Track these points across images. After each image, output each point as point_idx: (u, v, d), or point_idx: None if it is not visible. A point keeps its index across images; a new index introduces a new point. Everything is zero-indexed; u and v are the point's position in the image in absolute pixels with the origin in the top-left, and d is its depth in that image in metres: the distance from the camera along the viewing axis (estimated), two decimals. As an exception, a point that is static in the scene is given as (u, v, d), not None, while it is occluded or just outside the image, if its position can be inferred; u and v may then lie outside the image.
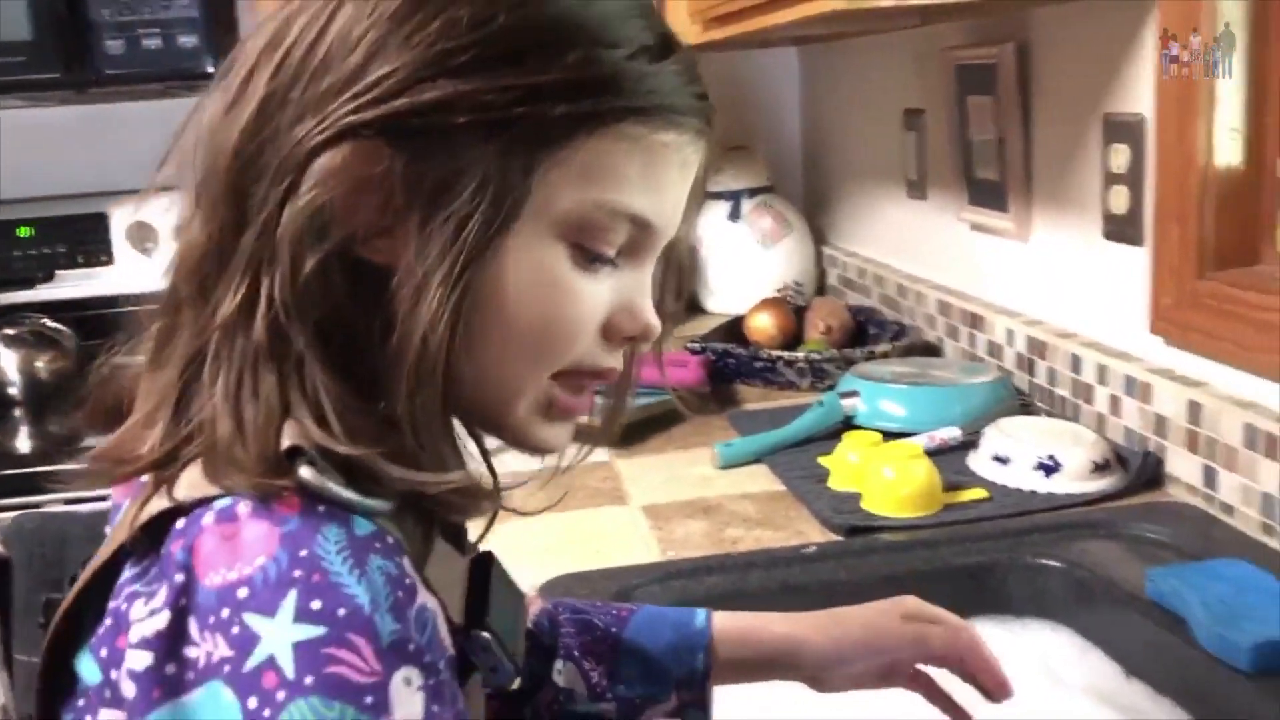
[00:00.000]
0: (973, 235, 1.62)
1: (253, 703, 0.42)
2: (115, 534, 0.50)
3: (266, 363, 0.48)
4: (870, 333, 1.76)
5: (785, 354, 1.60)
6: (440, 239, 0.49)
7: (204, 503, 0.47)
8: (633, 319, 0.56)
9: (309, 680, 0.42)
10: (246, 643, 0.43)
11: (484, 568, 0.63)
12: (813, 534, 1.11)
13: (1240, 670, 0.81)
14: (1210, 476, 1.10)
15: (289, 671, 0.42)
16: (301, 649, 0.43)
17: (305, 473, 0.46)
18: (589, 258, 0.53)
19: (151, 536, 0.48)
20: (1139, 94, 1.19)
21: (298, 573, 0.44)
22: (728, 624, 0.78)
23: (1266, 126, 1.08)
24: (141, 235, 2.08)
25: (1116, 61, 1.23)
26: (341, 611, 0.44)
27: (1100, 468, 1.17)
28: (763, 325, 1.74)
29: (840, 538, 1.09)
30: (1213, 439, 1.09)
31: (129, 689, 0.45)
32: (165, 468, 0.49)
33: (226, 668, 0.43)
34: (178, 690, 0.44)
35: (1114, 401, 1.25)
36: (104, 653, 0.48)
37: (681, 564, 1.04)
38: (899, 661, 0.77)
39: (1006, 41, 1.42)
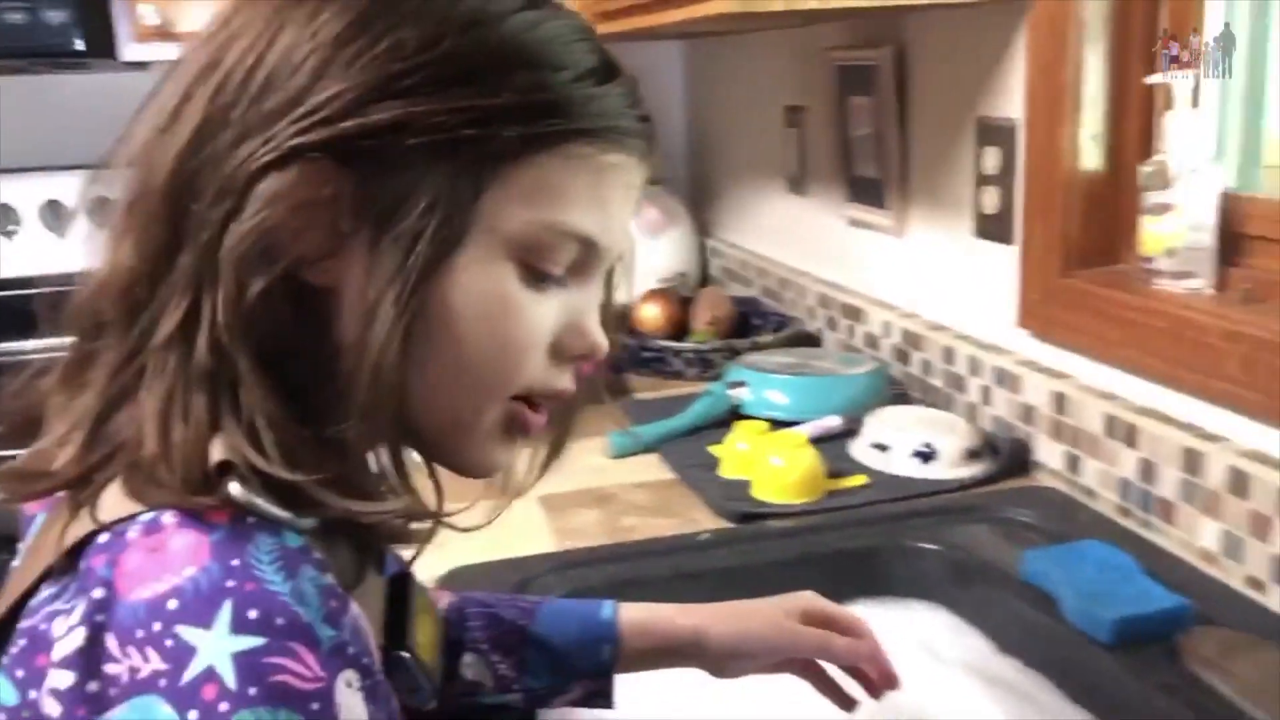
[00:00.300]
0: (852, 230, 1.68)
1: (193, 715, 0.41)
2: (37, 555, 0.49)
3: (201, 385, 0.47)
4: (754, 323, 1.81)
5: (673, 344, 1.64)
6: (389, 261, 0.49)
7: (128, 519, 0.46)
8: (581, 337, 0.56)
9: (253, 691, 0.42)
10: (181, 655, 0.42)
11: (402, 588, 0.64)
12: (705, 521, 1.14)
13: (1103, 643, 0.88)
14: (1073, 462, 1.17)
15: (230, 683, 0.42)
16: (242, 660, 0.42)
17: (234, 489, 0.46)
18: (537, 277, 0.53)
19: (69, 555, 0.47)
20: (1010, 99, 1.26)
21: (231, 583, 0.44)
22: (633, 615, 0.80)
23: (1126, 134, 1.16)
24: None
25: (989, 67, 1.29)
26: (280, 621, 0.43)
27: (973, 455, 1.23)
28: (651, 316, 1.78)
29: (732, 524, 1.13)
30: (1076, 427, 1.16)
31: (53, 708, 0.44)
32: (78, 487, 0.49)
33: (161, 681, 0.42)
34: (102, 707, 0.43)
35: (985, 392, 1.32)
36: (20, 673, 0.46)
37: (578, 554, 1.06)
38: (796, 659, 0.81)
39: (885, 45, 1.48)
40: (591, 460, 1.32)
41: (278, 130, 0.48)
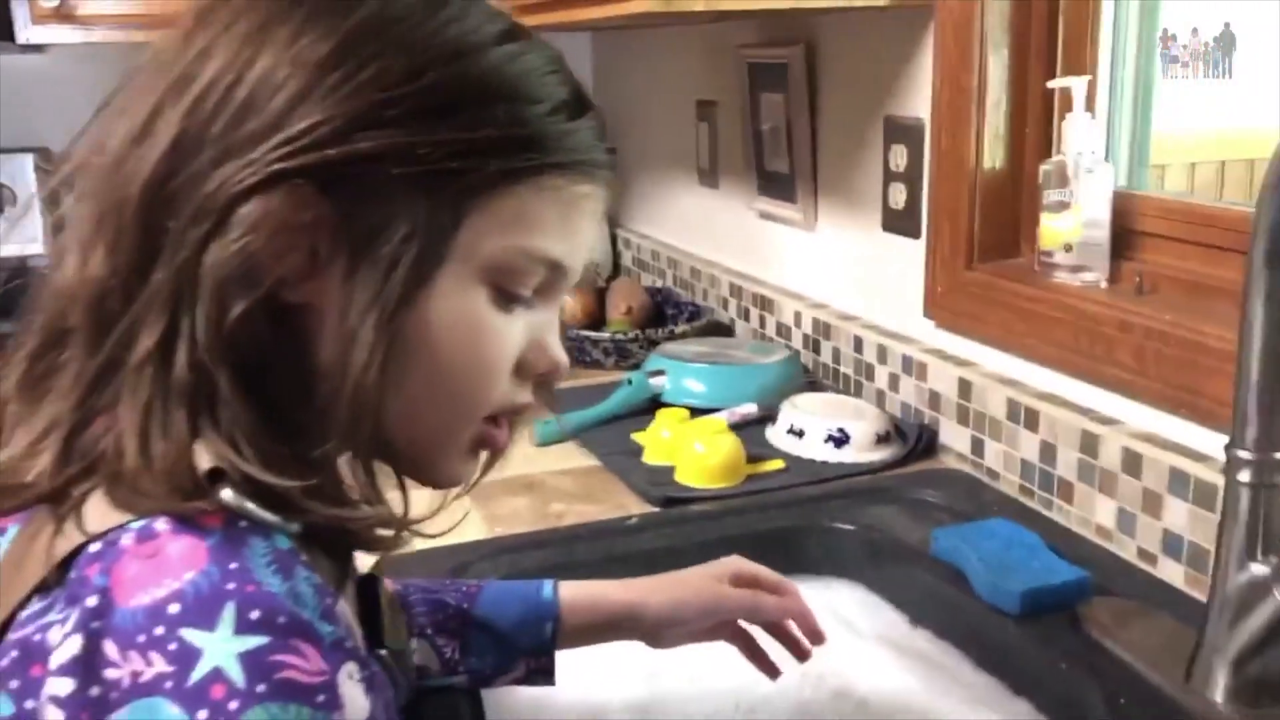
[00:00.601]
0: (762, 223, 1.73)
1: (203, 715, 0.42)
2: (19, 569, 0.49)
3: (180, 400, 0.48)
4: (668, 313, 1.85)
5: (592, 334, 1.67)
6: (368, 285, 0.50)
7: (118, 528, 0.47)
8: (544, 355, 0.58)
9: (261, 688, 0.43)
10: (187, 657, 0.43)
11: (372, 589, 0.66)
12: (631, 506, 1.18)
13: (1010, 614, 0.94)
14: (978, 446, 1.24)
15: (239, 681, 0.43)
16: (248, 659, 0.43)
17: (227, 494, 0.47)
18: (508, 299, 0.55)
19: (61, 566, 0.47)
20: (917, 100, 1.32)
21: (231, 585, 0.45)
22: (572, 593, 0.83)
23: (1026, 135, 1.22)
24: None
25: (897, 69, 1.35)
26: (282, 620, 0.45)
27: (883, 439, 1.29)
28: (568, 306, 1.80)
29: (657, 509, 1.17)
30: (980, 412, 1.23)
31: (54, 714, 0.44)
32: (57, 501, 0.49)
33: (167, 683, 0.43)
34: (104, 711, 0.44)
35: (893, 379, 1.38)
36: (14, 684, 0.46)
37: (510, 539, 1.09)
38: (724, 622, 0.85)
39: (796, 43, 1.53)
40: (517, 449, 1.34)
41: (259, 154, 0.49)
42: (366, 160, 0.49)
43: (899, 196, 1.38)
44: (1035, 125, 1.22)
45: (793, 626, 0.87)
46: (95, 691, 0.44)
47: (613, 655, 0.91)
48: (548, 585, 0.83)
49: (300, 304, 0.51)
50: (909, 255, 1.36)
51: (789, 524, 1.15)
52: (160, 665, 0.43)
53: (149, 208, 0.49)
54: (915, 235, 1.35)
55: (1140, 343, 1.02)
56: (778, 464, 1.27)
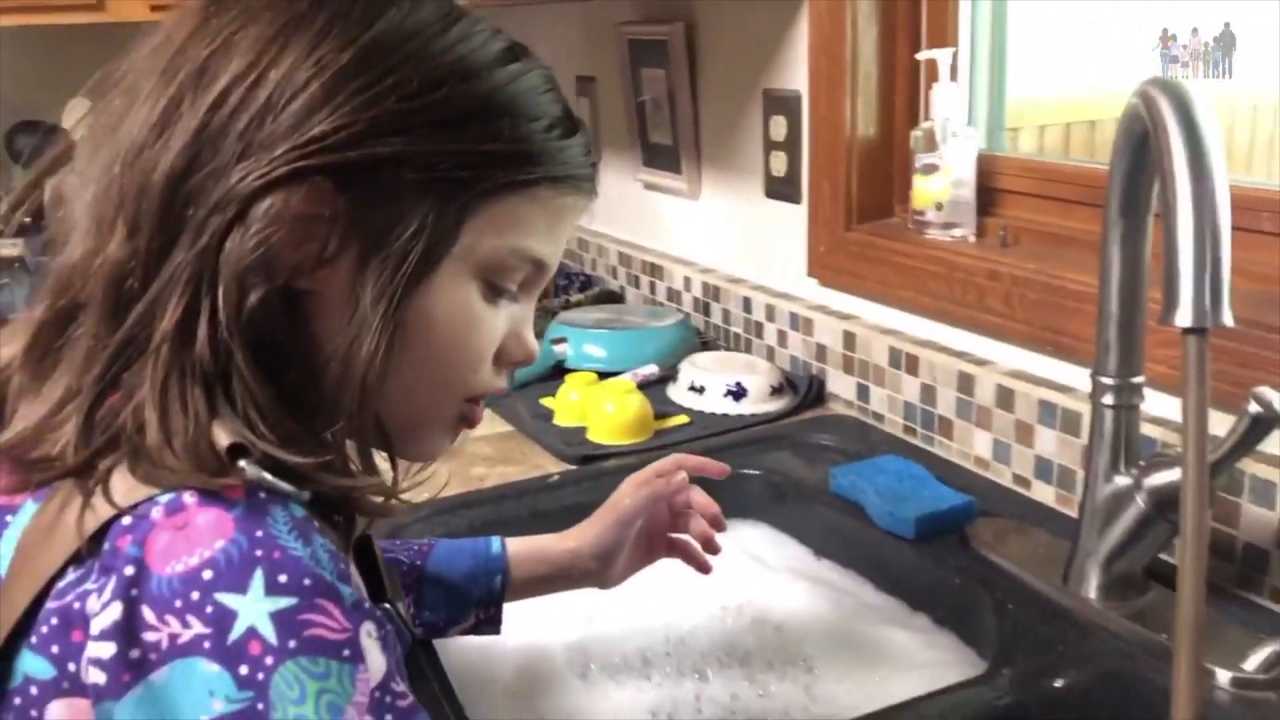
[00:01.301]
0: (648, 194, 1.81)
1: (244, 670, 0.46)
2: (49, 541, 0.51)
3: (198, 378, 0.51)
4: (559, 284, 1.91)
5: (489, 307, 1.72)
6: (377, 277, 0.54)
7: (146, 501, 0.50)
8: (520, 345, 0.63)
9: (293, 644, 0.47)
10: (224, 619, 0.47)
11: (369, 549, 0.71)
12: (549, 465, 1.24)
13: (906, 539, 1.04)
14: (863, 392, 1.34)
15: (272, 639, 0.46)
16: (279, 618, 0.47)
17: (248, 467, 0.50)
18: (495, 292, 0.60)
19: (92, 538, 0.50)
20: (795, 72, 1.40)
21: (259, 552, 0.48)
22: (519, 548, 0.90)
23: (897, 104, 1.32)
24: None
25: (775, 43, 1.43)
26: (307, 582, 0.48)
27: (776, 390, 1.39)
28: (460, 281, 1.84)
29: (574, 466, 1.24)
30: (864, 361, 1.33)
31: (97, 676, 0.48)
32: (83, 475, 0.51)
33: (206, 644, 0.46)
34: (145, 671, 0.47)
35: (781, 335, 1.48)
36: (55, 649, 0.50)
37: (440, 502, 1.14)
38: (654, 537, 0.93)
39: (676, 20, 1.60)
40: (429, 419, 1.39)
41: (280, 151, 0.52)
42: (383, 164, 0.53)
43: (780, 164, 1.47)
44: (904, 94, 1.32)
45: (694, 545, 0.94)
46: (135, 654, 0.47)
47: (551, 603, 0.98)
48: (496, 541, 0.89)
49: (311, 290, 0.55)
50: (791, 219, 1.45)
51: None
52: (198, 627, 0.47)
53: (171, 196, 0.52)
54: (796, 200, 1.44)
55: (1007, 289, 1.13)
56: (683, 419, 1.35)
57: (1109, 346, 0.85)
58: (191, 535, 0.48)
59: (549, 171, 0.59)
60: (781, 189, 1.48)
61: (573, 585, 0.91)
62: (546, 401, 1.40)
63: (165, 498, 0.50)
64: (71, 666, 0.50)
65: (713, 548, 0.93)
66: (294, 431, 0.53)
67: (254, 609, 0.47)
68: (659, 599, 1.02)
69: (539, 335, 1.56)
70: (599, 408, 1.29)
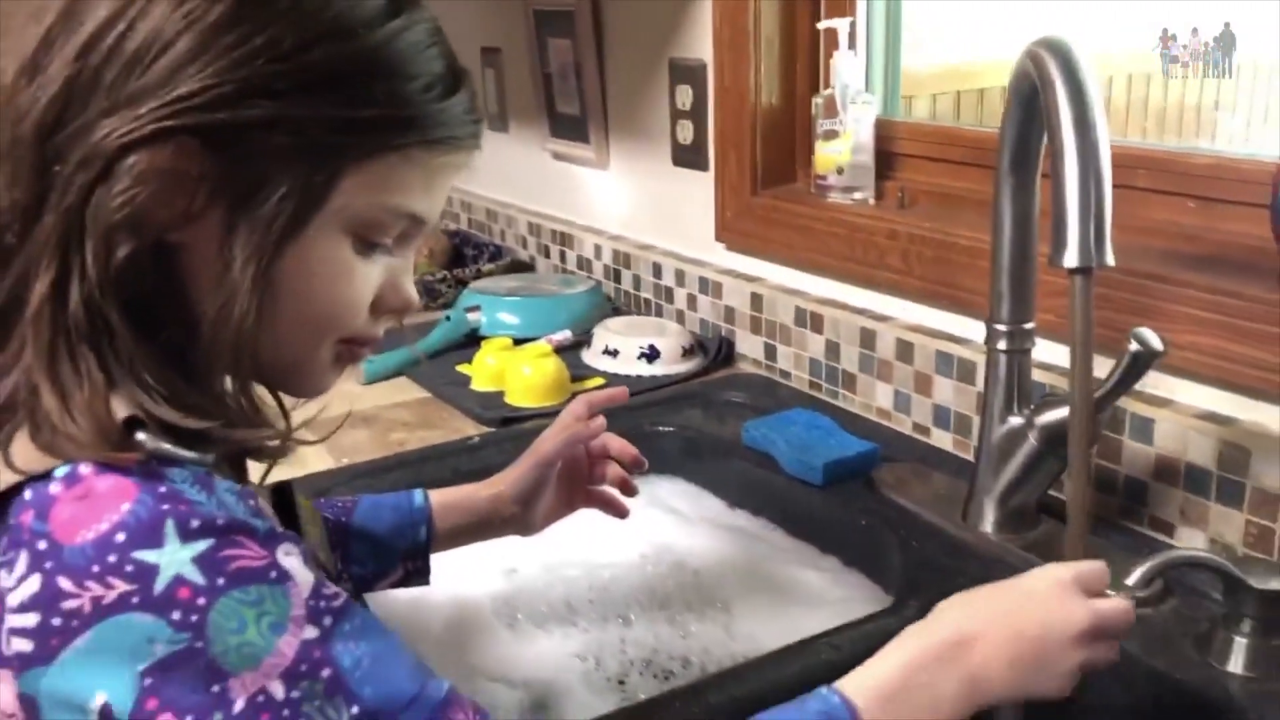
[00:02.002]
0: (556, 164, 1.83)
1: (177, 615, 0.48)
2: None
3: (83, 339, 0.51)
4: (469, 254, 1.93)
5: (401, 277, 1.73)
6: (246, 238, 0.54)
7: (45, 476, 0.50)
8: (397, 295, 0.63)
9: (221, 580, 0.49)
10: (146, 574, 0.48)
11: (287, 496, 0.73)
12: (469, 429, 1.27)
13: (815, 485, 1.09)
14: (770, 351, 1.39)
15: (200, 580, 0.48)
16: (201, 560, 0.49)
17: (145, 439, 0.51)
18: (369, 246, 0.59)
19: None
20: (699, 42, 1.44)
21: (165, 506, 0.49)
22: (441, 498, 0.92)
23: (798, 72, 1.37)
24: None
25: (679, 13, 1.47)
26: (219, 522, 0.50)
27: (688, 352, 1.43)
28: (370, 252, 1.85)
29: (494, 429, 1.26)
30: (771, 321, 1.38)
31: (21, 645, 0.49)
32: None
33: (134, 599, 0.48)
34: (73, 635, 0.48)
35: (691, 299, 1.52)
36: None
37: (363, 466, 1.16)
38: (573, 487, 0.95)
39: (581, -8, 1.62)
40: (345, 388, 1.39)
41: (147, 109, 0.51)
42: (252, 127, 0.52)
43: (686, 133, 1.50)
44: (805, 63, 1.37)
45: (611, 493, 0.97)
46: (58, 622, 0.48)
47: (475, 558, 1.01)
48: (419, 494, 0.92)
49: (180, 246, 0.55)
50: (699, 186, 1.49)
51: (614, 431, 1.26)
52: (121, 586, 0.48)
53: (40, 149, 0.52)
54: (704, 168, 1.48)
55: (905, 248, 1.18)
56: (598, 381, 1.38)
57: (1002, 295, 0.91)
58: (95, 503, 0.49)
59: (425, 135, 0.58)
60: (688, 157, 1.51)
61: (496, 533, 0.93)
62: (463, 368, 1.42)
63: (62, 470, 0.50)
64: None
65: (629, 490, 0.97)
66: (183, 389, 0.54)
67: (174, 559, 0.49)
68: (580, 550, 1.06)
69: (447, 306, 1.59)
70: (516, 371, 1.32)
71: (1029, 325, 0.92)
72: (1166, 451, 0.94)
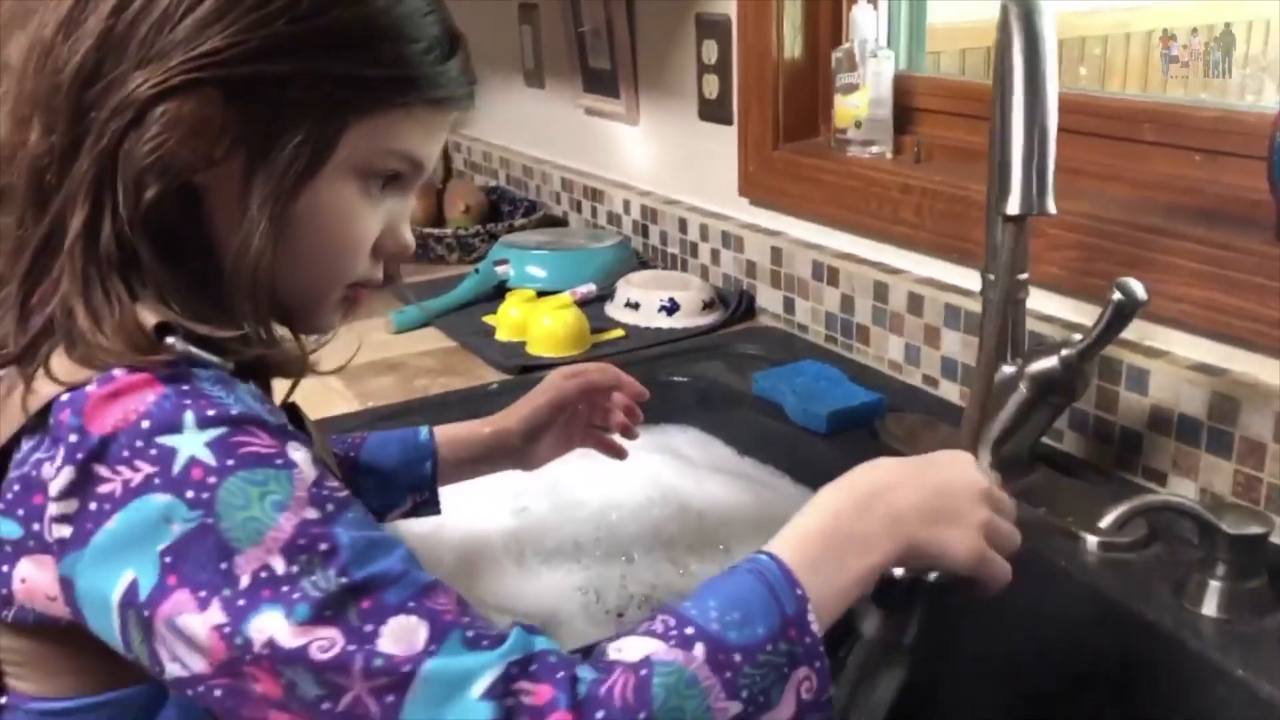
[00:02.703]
0: (589, 119, 1.85)
1: (190, 494, 0.52)
2: (4, 419, 0.58)
3: (114, 269, 0.57)
4: (505, 210, 1.96)
5: (435, 231, 1.77)
6: (262, 181, 0.60)
7: (84, 382, 0.55)
8: (395, 239, 0.68)
9: (230, 462, 0.53)
10: (165, 457, 0.53)
11: (297, 415, 0.77)
12: (489, 376, 1.31)
13: (820, 434, 1.11)
14: (789, 304, 1.41)
15: (212, 462, 0.53)
16: (214, 445, 0.53)
17: (173, 342, 0.56)
18: (371, 190, 0.65)
19: (38, 415, 0.56)
20: (723, -2, 1.46)
21: (187, 400, 0.54)
22: (446, 432, 0.96)
23: (819, 28, 1.38)
24: None
25: (704, -30, 1.48)
26: (234, 413, 0.55)
27: (708, 305, 1.45)
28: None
29: (513, 376, 1.30)
30: (790, 275, 1.40)
31: (61, 531, 0.54)
32: (25, 361, 0.57)
33: (155, 480, 0.52)
34: (105, 518, 0.53)
35: (714, 254, 1.54)
36: (20, 512, 0.56)
37: (385, 409, 1.21)
38: (574, 426, 0.99)
39: (612, -52, 1.64)
40: (377, 337, 1.45)
41: (176, 62, 0.56)
42: (270, 82, 0.58)
43: (711, 88, 1.52)
44: (828, 17, 1.38)
45: (609, 437, 1.01)
46: (94, 506, 0.53)
47: (488, 496, 1.05)
48: (424, 430, 0.96)
49: (203, 188, 0.60)
50: (724, 141, 1.51)
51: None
52: (146, 469, 0.53)
53: (77, 97, 0.57)
54: (728, 122, 1.50)
55: (918, 201, 1.19)
56: (619, 333, 1.42)
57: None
58: (124, 398, 0.54)
59: (425, 95, 0.63)
60: (714, 111, 1.53)
61: (498, 466, 0.98)
62: (488, 319, 1.46)
63: (99, 376, 0.55)
64: (36, 526, 0.56)
65: (630, 434, 1.01)
66: (207, 310, 0.59)
67: (191, 442, 0.53)
68: (590, 493, 1.10)
69: (479, 260, 1.63)
70: (537, 322, 1.36)
71: (1023, 275, 0.94)
72: (1160, 402, 0.95)
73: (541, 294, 1.48)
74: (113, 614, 0.54)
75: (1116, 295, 0.83)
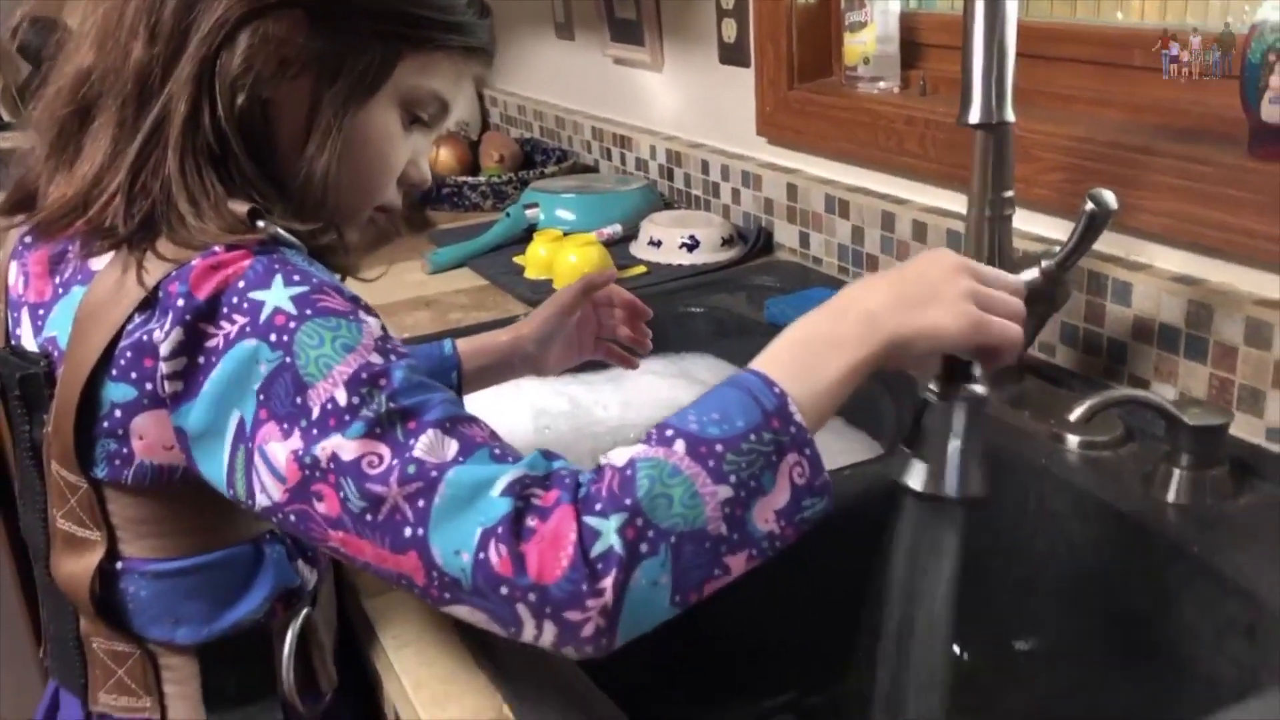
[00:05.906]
0: (616, 68, 1.91)
1: (273, 337, 0.60)
2: (114, 299, 0.65)
3: (209, 162, 0.66)
4: (537, 159, 2.03)
5: (470, 179, 1.84)
6: (330, 98, 0.69)
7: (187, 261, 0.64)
8: (416, 170, 0.79)
9: (309, 311, 0.61)
10: (255, 309, 0.61)
11: None
12: (518, 309, 1.38)
13: (825, 354, 1.17)
14: (804, 239, 1.47)
15: (293, 310, 0.61)
16: (296, 299, 0.61)
17: (267, 225, 0.65)
18: (409, 120, 0.75)
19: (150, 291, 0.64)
20: (738, -56, 1.50)
21: (277, 266, 0.63)
22: (467, 345, 1.04)
23: (830, -33, 1.43)
24: None
25: (720, -83, 1.53)
26: (315, 279, 0.63)
27: (728, 241, 1.51)
28: (445, 159, 1.97)
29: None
30: (805, 210, 1.45)
31: (174, 386, 0.62)
32: (136, 243, 0.65)
33: (247, 329, 0.60)
34: (210, 368, 0.61)
35: (735, 193, 1.60)
36: (134, 375, 0.64)
37: (417, 340, 1.28)
38: (582, 334, 1.07)
39: (633, -101, 1.69)
40: (413, 277, 1.53)
41: None
42: (347, 11, 0.69)
43: (730, 31, 1.57)
44: (837, -41, 1.42)
45: (617, 348, 1.09)
46: (202, 359, 0.61)
47: (512, 413, 1.13)
48: (448, 343, 1.04)
49: (272, 100, 0.69)
50: (742, 83, 1.56)
51: (651, 313, 1.36)
52: (240, 320, 0.61)
53: (182, 16, 0.66)
54: (746, 64, 1.55)
55: (921, 132, 1.24)
56: (641, 269, 1.48)
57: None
58: (224, 266, 0.63)
59: (465, 41, 0.74)
60: (733, 54, 1.58)
61: (515, 373, 1.06)
62: (518, 259, 1.53)
63: (201, 254, 0.64)
64: (149, 386, 0.65)
65: (642, 346, 1.08)
66: (283, 206, 0.68)
67: (277, 296, 0.62)
68: (609, 412, 1.17)
69: (514, 204, 1.70)
70: (563, 259, 1.43)
71: (1008, 193, 0.99)
72: (1143, 313, 1.00)
73: (568, 235, 1.54)
74: (224, 453, 0.61)
75: (1089, 205, 0.88)
